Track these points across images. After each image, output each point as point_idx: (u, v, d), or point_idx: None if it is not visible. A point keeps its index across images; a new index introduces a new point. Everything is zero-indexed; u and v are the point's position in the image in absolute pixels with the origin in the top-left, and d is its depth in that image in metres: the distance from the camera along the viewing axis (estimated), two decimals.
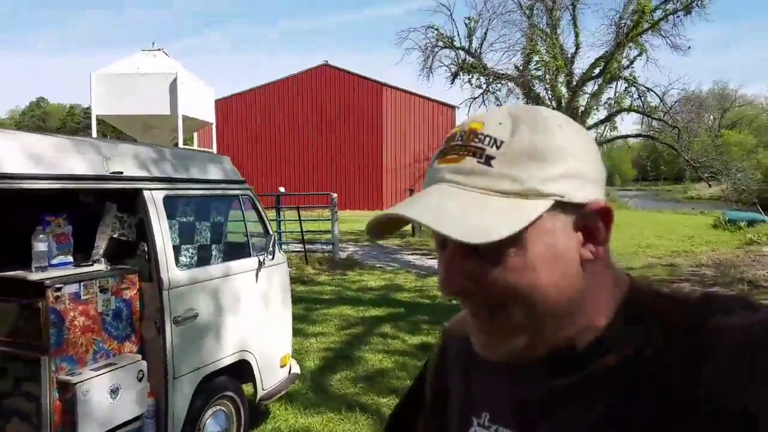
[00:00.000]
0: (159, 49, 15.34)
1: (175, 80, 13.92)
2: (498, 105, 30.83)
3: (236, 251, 3.46)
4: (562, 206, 0.59)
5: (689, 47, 26.63)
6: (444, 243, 0.62)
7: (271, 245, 3.57)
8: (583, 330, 0.62)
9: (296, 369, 4.07)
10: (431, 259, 11.96)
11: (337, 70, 29.40)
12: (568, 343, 0.62)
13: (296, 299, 7.89)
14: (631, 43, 26.82)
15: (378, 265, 11.01)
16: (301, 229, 10.56)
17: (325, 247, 11.64)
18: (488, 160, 0.58)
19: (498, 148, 0.58)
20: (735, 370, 0.52)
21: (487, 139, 0.59)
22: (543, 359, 0.64)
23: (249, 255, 3.48)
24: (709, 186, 33.76)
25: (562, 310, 0.60)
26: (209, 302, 3.08)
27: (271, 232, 3.70)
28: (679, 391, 0.55)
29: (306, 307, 7.44)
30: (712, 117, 60.13)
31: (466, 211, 0.57)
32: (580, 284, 0.60)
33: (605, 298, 0.62)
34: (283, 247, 10.67)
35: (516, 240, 0.57)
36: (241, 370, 3.38)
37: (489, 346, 0.63)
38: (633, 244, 13.04)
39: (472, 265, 0.59)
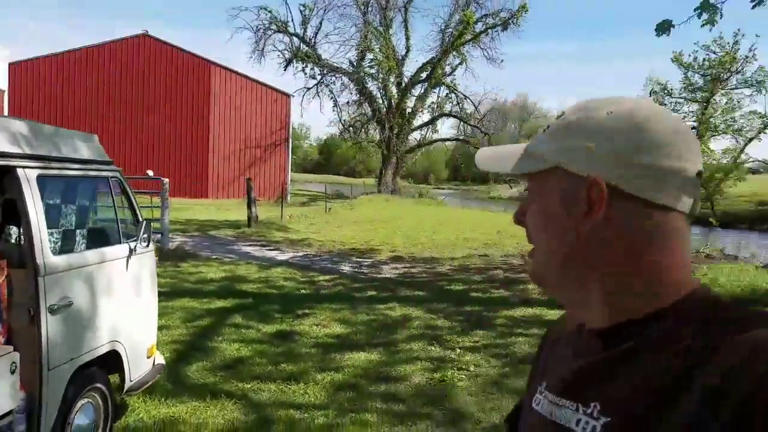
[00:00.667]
0: None
1: None
2: (332, 98, 31.40)
3: (107, 237, 3.28)
4: (567, 174, 0.67)
5: (502, 60, 30.02)
6: None
7: (143, 232, 3.44)
8: (610, 308, 0.66)
9: (161, 360, 3.95)
10: (271, 250, 11.95)
11: (159, 42, 26.85)
12: (601, 321, 0.67)
13: None
14: (454, 52, 29.41)
15: (214, 257, 10.69)
16: None
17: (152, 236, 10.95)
18: (545, 131, 0.72)
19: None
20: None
21: (561, 116, 0.72)
22: (585, 334, 0.70)
23: (120, 241, 3.32)
24: (511, 188, 38.56)
25: (560, 264, 0.69)
26: (83, 290, 2.90)
27: (142, 218, 3.56)
28: (698, 392, 0.56)
29: None
30: (514, 125, 68.08)
31: (501, 155, 0.77)
32: (578, 250, 0.67)
33: (643, 287, 0.65)
34: None
35: (531, 191, 0.72)
36: (110, 361, 3.22)
37: (529, 271, 0.76)
38: (453, 236, 14.41)
39: (525, 205, 0.75)
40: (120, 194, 3.45)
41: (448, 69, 30.63)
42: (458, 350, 5.26)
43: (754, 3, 6.69)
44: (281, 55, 29.23)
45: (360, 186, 36.51)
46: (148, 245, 3.51)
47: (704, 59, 32.30)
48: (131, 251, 3.39)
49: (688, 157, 0.65)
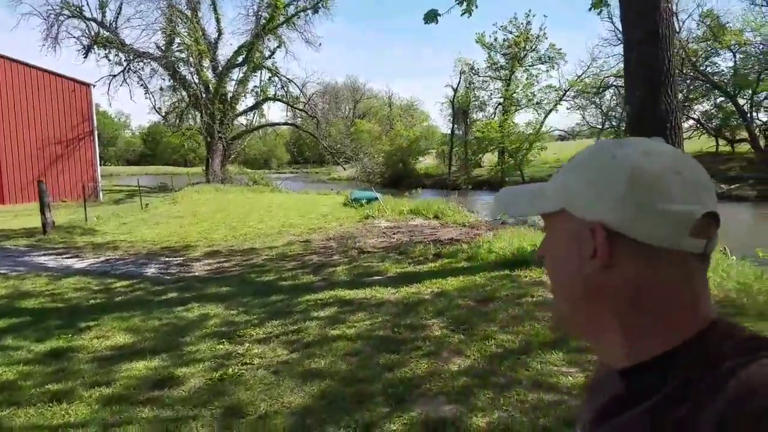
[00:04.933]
0: None
1: None
2: (141, 85, 29.04)
3: None
4: (573, 217, 0.68)
5: (320, 44, 30.23)
6: None
7: None
8: (627, 349, 0.67)
9: None
10: (69, 257, 10.92)
11: None
12: (621, 362, 0.68)
13: None
14: (270, 35, 28.97)
15: None
16: None
17: None
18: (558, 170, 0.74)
19: None
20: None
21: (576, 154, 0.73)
22: (611, 373, 0.72)
23: None
24: (344, 169, 39.30)
25: (575, 306, 0.70)
26: None
27: None
28: None
29: None
30: (347, 107, 69.18)
31: (517, 196, 0.76)
32: (590, 293, 0.68)
33: (658, 327, 0.65)
34: None
35: (546, 231, 0.73)
36: None
37: (552, 312, 0.76)
38: (279, 224, 14.38)
39: (542, 247, 0.75)
40: None
41: (267, 52, 30.16)
42: (247, 344, 5.29)
43: None
44: (78, 42, 26.50)
45: (191, 176, 34.71)
46: None
47: (504, 39, 35.64)
48: None
49: (694, 200, 0.63)
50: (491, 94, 39.45)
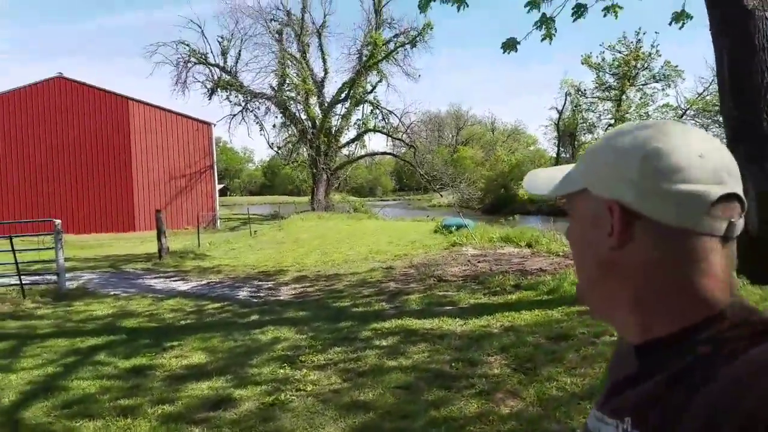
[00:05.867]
0: None
1: None
2: (257, 123, 31.51)
3: None
4: (593, 196, 0.70)
5: (420, 75, 31.02)
6: None
7: None
8: (640, 326, 0.69)
9: None
10: (176, 280, 11.86)
11: (75, 83, 26.71)
12: (635, 338, 0.70)
13: (4, 336, 7.30)
14: (371, 71, 30.16)
15: (113, 293, 10.55)
16: (16, 260, 9.62)
17: (50, 277, 10.73)
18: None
19: None
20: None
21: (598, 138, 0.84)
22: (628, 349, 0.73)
23: None
24: (441, 196, 39.40)
25: (591, 282, 0.73)
26: None
27: None
28: (702, 408, 0.57)
29: (14, 344, 6.94)
30: (451, 135, 69.29)
31: (544, 177, 0.80)
32: (606, 270, 0.70)
33: (670, 306, 0.66)
34: None
35: (570, 211, 0.75)
36: None
37: (576, 287, 0.78)
38: (367, 250, 14.62)
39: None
40: None
41: (368, 87, 31.38)
42: (305, 370, 5.39)
43: (574, 17, 7.21)
44: (203, 86, 29.40)
45: (299, 205, 36.47)
46: None
47: (613, 59, 34.05)
48: None
49: (713, 181, 0.63)
50: (600, 115, 37.69)
